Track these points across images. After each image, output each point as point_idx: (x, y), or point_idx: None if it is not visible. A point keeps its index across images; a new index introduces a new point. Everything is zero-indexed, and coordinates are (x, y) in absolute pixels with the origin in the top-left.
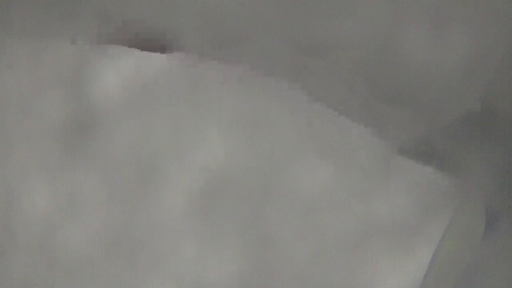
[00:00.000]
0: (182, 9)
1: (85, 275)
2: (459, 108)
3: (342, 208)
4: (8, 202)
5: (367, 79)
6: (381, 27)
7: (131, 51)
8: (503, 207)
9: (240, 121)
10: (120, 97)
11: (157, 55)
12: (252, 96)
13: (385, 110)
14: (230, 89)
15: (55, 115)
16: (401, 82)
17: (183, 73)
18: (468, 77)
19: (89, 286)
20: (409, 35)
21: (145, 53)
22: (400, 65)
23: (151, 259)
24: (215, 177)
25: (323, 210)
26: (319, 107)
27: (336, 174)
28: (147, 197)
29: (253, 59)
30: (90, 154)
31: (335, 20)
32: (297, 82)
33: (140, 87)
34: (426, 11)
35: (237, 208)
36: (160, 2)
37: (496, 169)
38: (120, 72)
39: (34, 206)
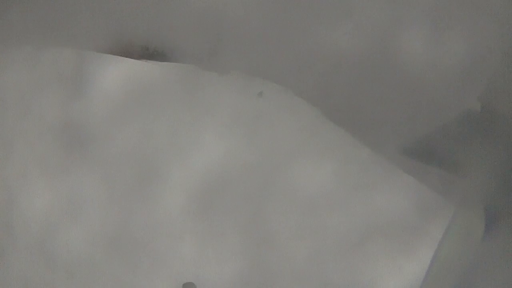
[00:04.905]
0: (179, 17)
1: (84, 274)
2: (459, 108)
3: (341, 207)
4: (8, 202)
5: (367, 80)
6: (380, 29)
7: (128, 59)
8: (503, 207)
9: (239, 121)
10: (119, 98)
11: (155, 62)
12: (250, 97)
13: (385, 110)
14: (228, 91)
15: (55, 115)
16: (401, 82)
17: (181, 77)
18: (467, 77)
19: (89, 286)
20: (409, 36)
21: (144, 61)
22: (400, 66)
23: (151, 258)
24: (214, 176)
25: (322, 209)
26: (318, 108)
27: (336, 173)
28: (147, 197)
29: (251, 64)
30: (90, 154)
31: (334, 23)
32: (296, 84)
33: (139, 89)
34: (425, 12)
35: (237, 207)
36: (158, 12)
37: (496, 169)
38: (120, 74)
39: (34, 205)
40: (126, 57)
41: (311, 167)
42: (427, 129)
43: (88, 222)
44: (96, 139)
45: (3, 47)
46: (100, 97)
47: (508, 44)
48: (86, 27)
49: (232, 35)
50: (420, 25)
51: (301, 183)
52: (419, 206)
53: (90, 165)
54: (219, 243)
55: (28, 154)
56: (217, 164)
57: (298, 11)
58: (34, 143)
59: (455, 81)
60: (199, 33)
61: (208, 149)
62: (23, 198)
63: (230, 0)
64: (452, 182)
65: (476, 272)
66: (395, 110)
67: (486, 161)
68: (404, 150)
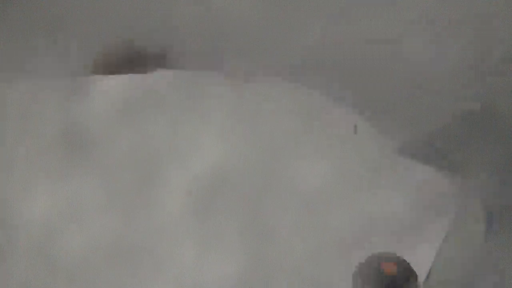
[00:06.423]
0: (181, 20)
1: (85, 279)
2: (459, 108)
3: (341, 205)
4: (9, 207)
5: (366, 79)
6: (380, 28)
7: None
8: (503, 207)
9: (238, 120)
10: (119, 102)
11: (154, 72)
12: (249, 95)
13: (386, 109)
14: (227, 90)
15: (55, 119)
16: (401, 82)
17: (181, 78)
18: (468, 77)
19: None
20: (409, 35)
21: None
22: (400, 65)
23: (151, 262)
24: (213, 177)
25: (322, 207)
26: (318, 106)
27: (335, 171)
28: (146, 201)
29: (252, 63)
30: (89, 158)
31: (334, 23)
32: (296, 83)
33: (138, 93)
34: (426, 12)
35: (236, 208)
36: (160, 14)
37: (496, 169)
38: (119, 81)
39: (34, 210)
40: (128, 61)
41: (310, 164)
42: (427, 129)
43: (89, 226)
44: (96, 143)
45: (3, 50)
46: (100, 101)
47: (508, 44)
48: (88, 30)
49: (232, 35)
50: (420, 25)
51: (300, 180)
52: (419, 205)
53: (90, 169)
54: (219, 245)
55: (28, 159)
56: (217, 165)
57: (299, 11)
58: (34, 147)
59: (455, 81)
60: (199, 34)
61: (207, 150)
62: (23, 202)
63: (230, 0)
64: (452, 182)
65: (477, 272)
66: (395, 109)
67: (486, 161)
68: (404, 150)
